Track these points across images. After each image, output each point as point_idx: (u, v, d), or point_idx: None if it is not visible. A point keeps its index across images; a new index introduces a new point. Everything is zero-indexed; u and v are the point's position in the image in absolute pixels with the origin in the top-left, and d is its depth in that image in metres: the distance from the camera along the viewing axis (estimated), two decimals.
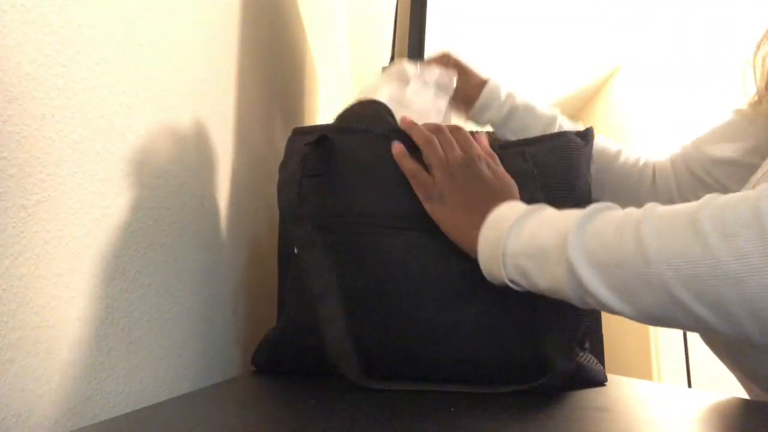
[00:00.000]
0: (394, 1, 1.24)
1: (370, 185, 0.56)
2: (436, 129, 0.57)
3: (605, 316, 0.64)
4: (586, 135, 0.60)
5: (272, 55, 0.84)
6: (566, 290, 0.43)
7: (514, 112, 0.77)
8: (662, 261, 0.37)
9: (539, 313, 0.52)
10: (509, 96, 0.77)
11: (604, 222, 0.42)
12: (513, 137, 0.77)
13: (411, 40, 0.93)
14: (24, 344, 0.30)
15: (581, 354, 0.55)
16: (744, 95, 0.67)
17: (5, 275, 0.29)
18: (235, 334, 0.64)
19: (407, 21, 0.95)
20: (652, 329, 2.75)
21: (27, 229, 0.30)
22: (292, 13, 1.01)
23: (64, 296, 0.33)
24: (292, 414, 0.40)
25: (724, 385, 0.63)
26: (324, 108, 1.40)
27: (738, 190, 0.70)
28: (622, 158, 0.78)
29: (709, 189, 0.73)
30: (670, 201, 0.76)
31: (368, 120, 0.60)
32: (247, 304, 0.69)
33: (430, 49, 0.89)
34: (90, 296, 0.36)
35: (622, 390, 0.53)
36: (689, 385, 2.47)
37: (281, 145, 0.63)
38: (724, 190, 0.71)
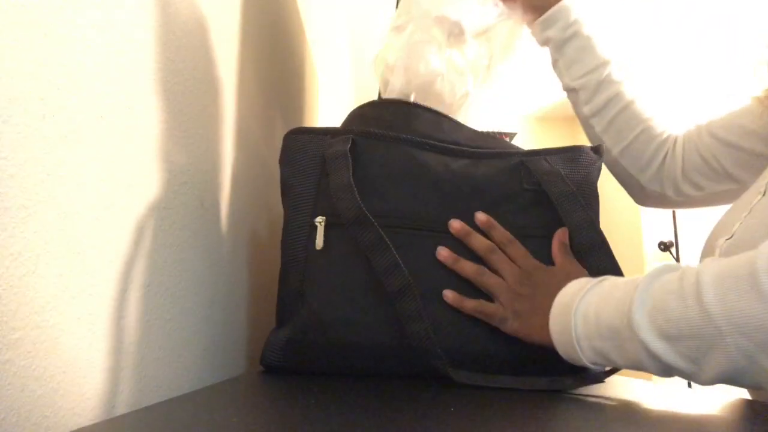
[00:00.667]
0: (394, 1, 1.24)
1: (395, 189, 0.58)
2: (487, 249, 0.57)
3: None
4: (599, 150, 0.65)
5: (272, 55, 0.84)
6: (648, 367, 0.44)
7: (574, 38, 0.76)
8: (735, 331, 0.37)
9: None
10: (577, 21, 0.76)
11: (662, 293, 0.42)
12: (563, 65, 0.77)
13: None
14: (24, 344, 0.30)
15: None
16: (753, 92, 0.67)
17: (5, 275, 0.29)
18: (235, 334, 0.64)
19: None
20: None
21: (27, 229, 0.30)
22: (293, 12, 1.01)
23: (64, 296, 0.33)
24: (292, 414, 0.40)
25: (724, 386, 0.63)
26: (324, 108, 1.40)
27: (741, 175, 0.70)
28: (649, 124, 0.77)
29: (712, 171, 0.73)
30: (674, 183, 0.76)
31: (386, 123, 0.62)
32: (248, 304, 0.69)
33: None
34: (90, 296, 0.36)
35: (622, 390, 0.53)
36: (689, 385, 2.47)
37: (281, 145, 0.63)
38: (726, 174, 0.72)
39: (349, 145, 0.58)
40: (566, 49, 0.76)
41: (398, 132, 0.61)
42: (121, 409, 0.39)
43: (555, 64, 0.79)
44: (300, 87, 1.09)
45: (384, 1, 0.76)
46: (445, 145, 0.61)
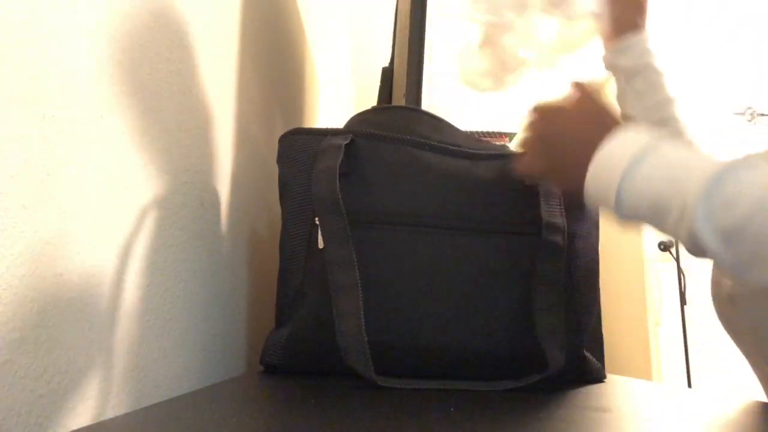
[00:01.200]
0: (394, 1, 1.24)
1: (398, 187, 0.59)
2: (528, 126, 0.59)
3: (604, 318, 0.65)
4: None
5: (273, 55, 0.85)
6: (684, 244, 0.42)
7: (646, 70, 0.75)
8: None
9: (539, 311, 0.56)
10: (651, 52, 0.75)
11: (737, 189, 0.39)
12: (630, 95, 0.76)
13: (411, 39, 0.93)
14: (24, 344, 0.30)
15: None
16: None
17: (5, 275, 0.29)
18: (234, 334, 0.64)
19: (407, 20, 0.95)
20: (651, 329, 2.74)
21: (27, 229, 0.30)
22: (293, 13, 1.01)
23: (64, 296, 0.33)
24: (291, 414, 0.40)
25: (724, 386, 0.63)
26: (324, 108, 1.40)
27: None
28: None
29: None
30: None
31: (387, 126, 0.63)
32: (247, 304, 0.69)
33: (431, 49, 0.88)
34: (90, 296, 0.36)
35: (622, 390, 0.53)
36: (689, 385, 2.47)
37: None
38: None
39: (347, 142, 0.58)
40: (636, 80, 0.75)
41: (399, 134, 0.61)
42: (121, 409, 0.39)
43: (621, 93, 0.77)
44: (300, 87, 1.09)
45: (384, 1, 0.75)
46: (445, 145, 0.62)
